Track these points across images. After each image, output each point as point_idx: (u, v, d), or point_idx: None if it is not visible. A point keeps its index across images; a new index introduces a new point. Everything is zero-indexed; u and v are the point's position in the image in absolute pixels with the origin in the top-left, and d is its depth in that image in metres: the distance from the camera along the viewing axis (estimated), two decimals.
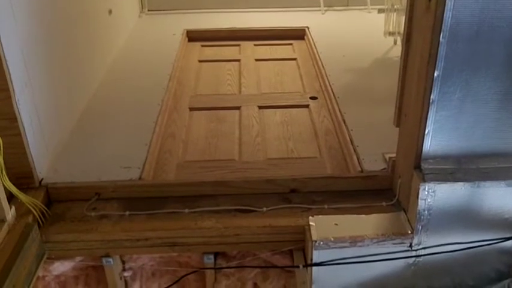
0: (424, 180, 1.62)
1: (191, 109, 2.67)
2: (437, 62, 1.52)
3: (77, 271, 1.96)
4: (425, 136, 1.62)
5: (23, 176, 1.87)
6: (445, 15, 1.45)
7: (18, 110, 1.80)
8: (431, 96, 1.56)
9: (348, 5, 4.08)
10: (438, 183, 1.62)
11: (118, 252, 1.87)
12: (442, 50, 1.50)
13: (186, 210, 1.85)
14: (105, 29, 3.03)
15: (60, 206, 1.89)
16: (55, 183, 1.92)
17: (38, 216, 1.76)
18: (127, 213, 1.84)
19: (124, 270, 1.97)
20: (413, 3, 1.65)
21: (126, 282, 2.00)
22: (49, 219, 1.82)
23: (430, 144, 1.64)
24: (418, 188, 1.63)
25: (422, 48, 1.58)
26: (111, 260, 1.86)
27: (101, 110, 2.52)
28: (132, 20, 3.78)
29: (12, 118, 1.79)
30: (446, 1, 1.43)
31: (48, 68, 2.11)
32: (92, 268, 1.94)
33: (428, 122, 1.60)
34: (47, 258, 1.79)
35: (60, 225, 1.80)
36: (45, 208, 1.81)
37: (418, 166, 1.66)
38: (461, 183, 1.63)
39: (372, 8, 3.90)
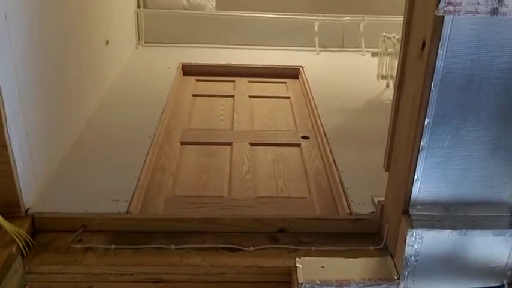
0: (412, 226, 1.63)
1: (182, 143, 2.67)
2: (428, 110, 1.54)
3: None
4: (414, 182, 1.63)
5: (9, 205, 1.85)
6: (437, 64, 1.48)
7: (9, 138, 1.79)
8: (422, 143, 1.58)
9: (342, 47, 4.14)
10: (426, 230, 1.62)
11: (102, 286, 1.82)
12: (433, 98, 1.53)
13: (173, 247, 1.83)
14: (101, 59, 3.05)
15: (46, 236, 1.86)
16: (41, 213, 1.90)
17: (22, 246, 1.73)
18: (112, 246, 1.81)
19: None
20: (406, 51, 1.69)
21: None
22: (33, 249, 1.80)
23: (419, 190, 1.65)
24: (406, 234, 1.63)
25: (413, 95, 1.61)
26: None
27: (92, 141, 2.52)
28: (128, 51, 3.82)
29: (2, 146, 1.78)
30: (439, 50, 1.46)
31: (42, 98, 2.11)
32: None
33: (418, 168, 1.62)
34: None
35: (44, 256, 1.78)
36: (30, 238, 1.79)
37: (407, 211, 1.67)
38: (448, 231, 1.63)
39: (365, 51, 3.97)
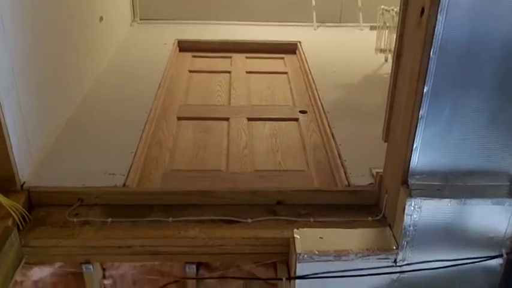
0: (410, 196, 1.61)
1: (179, 118, 2.65)
2: (427, 78, 1.52)
3: (55, 277, 1.91)
4: (413, 151, 1.62)
5: (4, 179, 1.84)
6: (436, 30, 1.45)
7: (3, 113, 1.77)
8: (420, 112, 1.56)
9: (340, 22, 4.10)
10: (424, 199, 1.61)
11: (99, 259, 1.83)
12: (432, 66, 1.50)
13: (170, 219, 1.82)
14: (95, 35, 3.01)
15: (42, 210, 1.85)
16: (37, 187, 1.89)
17: (17, 220, 1.72)
18: (109, 220, 1.80)
19: (104, 278, 1.93)
20: (404, 18, 1.66)
21: None
22: (29, 223, 1.79)
23: (417, 160, 1.63)
24: (405, 204, 1.62)
25: (412, 64, 1.58)
26: (91, 267, 1.83)
27: (88, 117, 2.50)
28: (123, 28, 3.77)
29: None
30: (438, 16, 1.44)
31: (35, 73, 2.08)
32: (71, 275, 1.90)
33: (417, 138, 1.60)
34: (26, 263, 1.75)
35: (41, 229, 1.77)
36: (26, 212, 1.77)
37: (405, 181, 1.65)
38: (447, 200, 1.62)
39: (364, 26, 3.93)
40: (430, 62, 1.50)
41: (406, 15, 1.65)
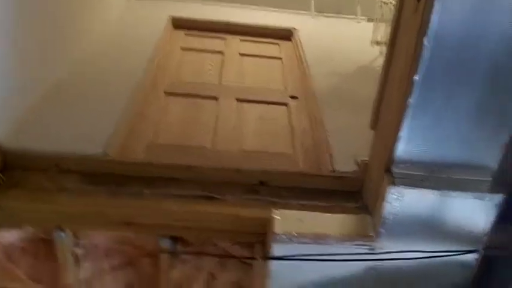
0: (393, 184, 1.59)
1: (168, 94, 2.61)
2: (419, 66, 1.49)
3: (25, 242, 1.87)
4: (399, 140, 1.59)
5: None
6: (432, 18, 1.43)
7: None
8: (410, 100, 1.54)
9: (338, 13, 4.06)
10: (407, 188, 1.59)
11: (72, 226, 1.79)
12: (425, 54, 1.48)
13: (149, 191, 1.79)
14: (89, 5, 2.95)
15: (16, 173, 1.80)
16: (13, 150, 1.85)
17: None
18: (86, 187, 1.77)
19: (76, 246, 1.89)
20: (401, 5, 1.64)
21: (77, 258, 1.92)
22: (4, 186, 1.74)
23: (403, 149, 1.61)
24: (386, 191, 1.60)
25: (406, 51, 1.56)
26: (63, 234, 1.79)
27: (74, 85, 2.44)
28: (119, 3, 3.71)
29: None
30: (435, 3, 1.41)
31: (18, 36, 2.03)
32: (42, 241, 1.86)
33: (404, 126, 1.57)
34: None
35: (14, 192, 1.73)
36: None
37: (389, 169, 1.63)
38: (429, 191, 1.60)
39: (361, 18, 3.89)
40: (423, 49, 1.47)
41: (403, 2, 1.62)
